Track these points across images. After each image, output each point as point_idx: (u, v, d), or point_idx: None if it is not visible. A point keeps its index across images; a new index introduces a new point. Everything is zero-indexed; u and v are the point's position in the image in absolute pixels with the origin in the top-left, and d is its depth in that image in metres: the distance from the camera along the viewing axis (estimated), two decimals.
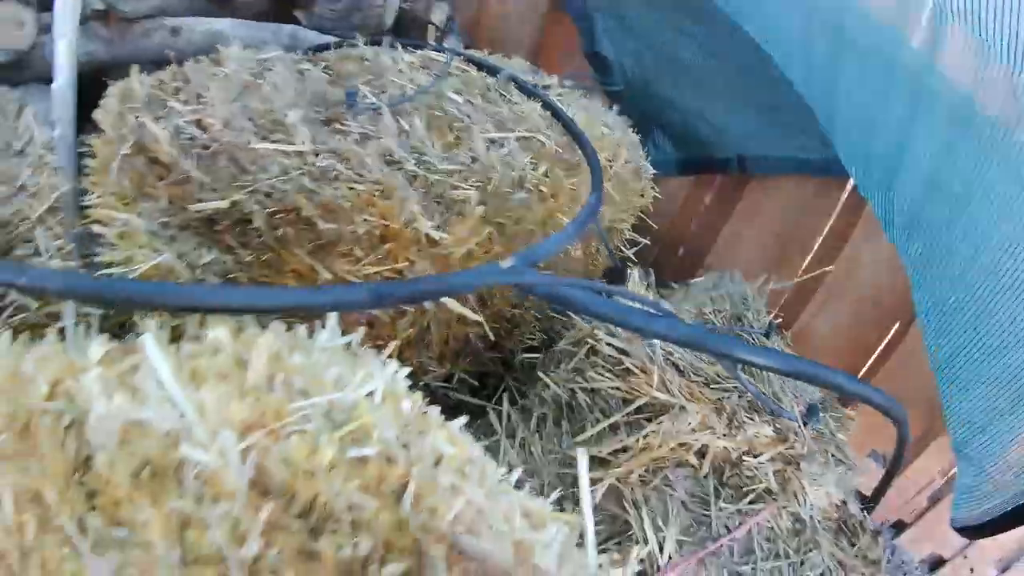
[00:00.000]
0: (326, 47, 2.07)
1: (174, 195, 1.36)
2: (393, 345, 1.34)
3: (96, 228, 1.47)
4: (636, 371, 1.38)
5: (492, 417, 1.57)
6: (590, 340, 1.46)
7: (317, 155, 1.44)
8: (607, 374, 1.40)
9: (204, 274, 1.43)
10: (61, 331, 0.99)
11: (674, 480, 1.40)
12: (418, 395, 1.04)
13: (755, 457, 1.38)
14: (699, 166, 2.35)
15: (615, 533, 1.41)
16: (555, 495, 1.06)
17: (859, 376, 2.49)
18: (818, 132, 1.95)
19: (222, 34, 2.27)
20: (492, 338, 1.71)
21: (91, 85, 1.71)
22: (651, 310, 1.27)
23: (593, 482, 1.42)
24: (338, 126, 1.57)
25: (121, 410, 0.86)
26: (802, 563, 1.45)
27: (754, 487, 1.38)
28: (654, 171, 2.13)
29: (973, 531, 1.66)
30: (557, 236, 1.39)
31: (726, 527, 1.40)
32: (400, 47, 2.03)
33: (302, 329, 1.04)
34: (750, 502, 1.38)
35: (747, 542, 1.41)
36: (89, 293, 0.95)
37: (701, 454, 1.37)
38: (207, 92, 1.51)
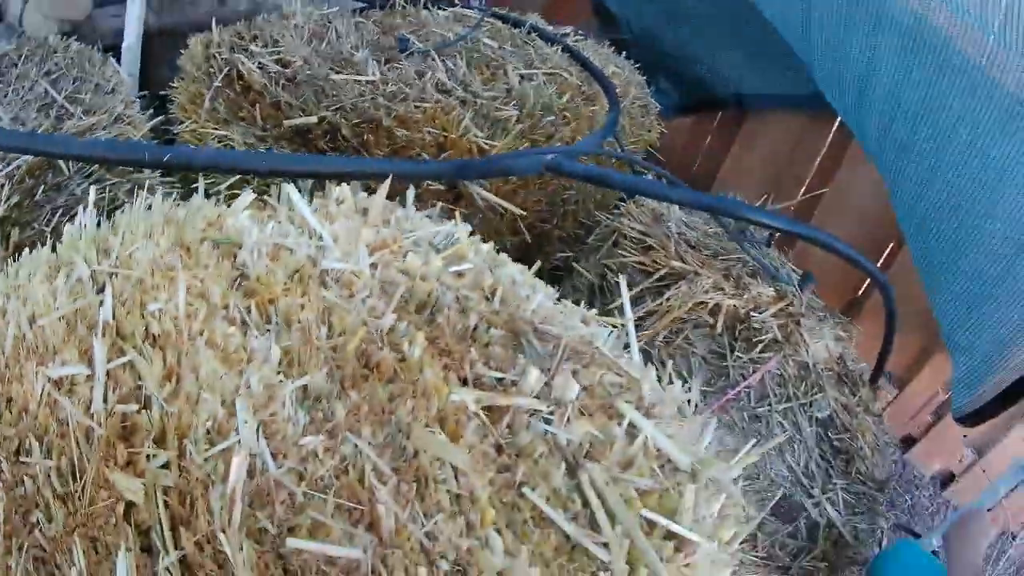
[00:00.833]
0: (371, 5, 2.35)
1: (267, 115, 1.67)
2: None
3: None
4: (656, 247, 1.64)
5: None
6: (617, 227, 1.72)
7: (386, 83, 1.76)
8: (632, 251, 1.66)
9: None
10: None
11: (694, 339, 1.65)
12: (490, 244, 1.29)
13: (760, 313, 1.63)
14: (700, 106, 2.61)
15: None
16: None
17: (858, 294, 2.73)
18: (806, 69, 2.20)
19: (266, 2, 2.52)
20: (529, 240, 1.97)
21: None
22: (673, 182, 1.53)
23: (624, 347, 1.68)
24: (395, 65, 1.90)
25: (271, 237, 1.11)
26: (811, 404, 1.70)
27: (762, 338, 1.63)
28: (659, 107, 2.39)
29: (971, 418, 1.83)
30: (588, 138, 1.66)
31: (742, 375, 1.65)
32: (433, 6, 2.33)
33: None
34: (760, 351, 1.63)
35: (761, 389, 1.66)
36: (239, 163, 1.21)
37: (714, 313, 1.62)
38: (282, 39, 1.83)
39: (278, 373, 0.89)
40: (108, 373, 0.87)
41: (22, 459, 0.83)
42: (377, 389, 0.91)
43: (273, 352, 0.91)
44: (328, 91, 1.68)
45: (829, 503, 1.62)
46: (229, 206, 1.20)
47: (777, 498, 1.57)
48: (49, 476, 0.80)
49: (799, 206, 2.60)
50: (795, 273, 1.83)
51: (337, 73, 1.73)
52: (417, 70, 1.87)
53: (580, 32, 2.39)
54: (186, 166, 1.25)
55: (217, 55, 1.75)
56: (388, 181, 1.26)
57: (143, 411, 0.84)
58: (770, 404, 1.64)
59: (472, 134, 1.71)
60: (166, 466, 0.79)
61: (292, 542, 0.72)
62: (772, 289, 1.68)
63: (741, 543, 1.57)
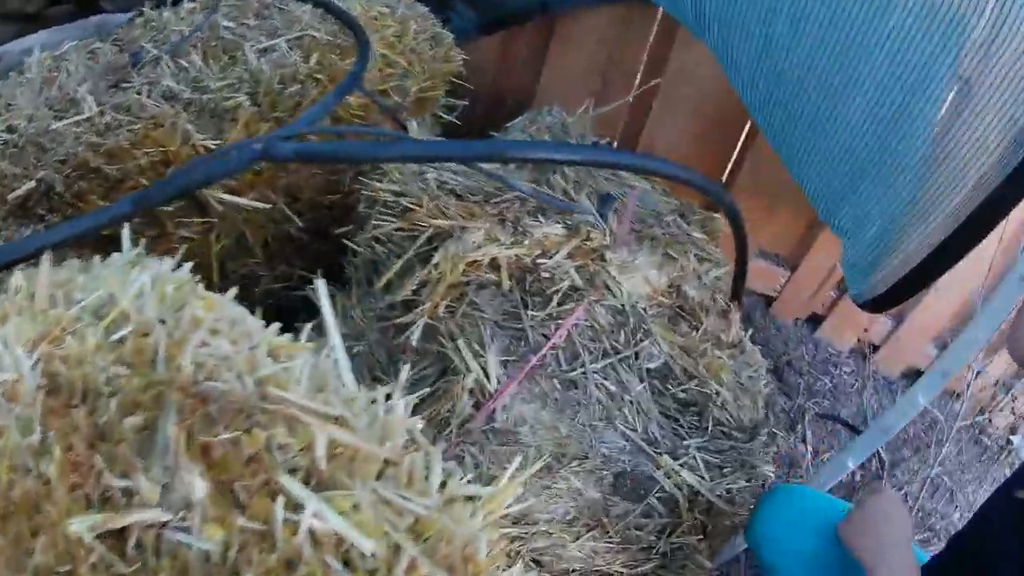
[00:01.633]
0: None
1: None
2: (182, 248, 1.38)
3: None
4: (412, 207, 1.36)
5: (312, 297, 1.56)
6: (372, 193, 1.44)
7: (102, 114, 1.60)
8: (388, 217, 1.38)
9: None
10: None
11: (480, 303, 1.40)
12: (186, 277, 1.03)
13: (550, 258, 1.37)
14: (504, 21, 2.31)
15: (443, 372, 1.42)
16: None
17: (725, 171, 2.47)
18: None
19: (31, 49, 2.21)
20: (301, 225, 1.72)
21: None
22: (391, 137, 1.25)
23: (407, 327, 1.42)
24: (124, 84, 1.71)
25: None
26: (637, 356, 1.46)
27: (557, 287, 1.38)
28: (455, 36, 2.12)
29: (873, 304, 1.66)
30: (310, 110, 1.39)
31: (544, 336, 1.40)
32: None
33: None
34: (559, 304, 1.38)
35: (570, 348, 1.42)
36: None
37: (495, 267, 1.36)
38: (15, 99, 1.66)
39: None
40: None
41: None
42: (23, 529, 0.76)
43: None
44: (47, 145, 1.54)
45: (686, 468, 1.37)
46: None
47: (614, 477, 1.33)
48: None
49: (638, 102, 2.33)
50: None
51: (59, 120, 1.58)
52: (149, 82, 1.68)
53: None
54: None
55: None
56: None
57: None
58: (583, 364, 1.39)
59: (195, 139, 1.56)
60: None
61: None
62: (561, 226, 1.42)
63: (589, 531, 1.36)
